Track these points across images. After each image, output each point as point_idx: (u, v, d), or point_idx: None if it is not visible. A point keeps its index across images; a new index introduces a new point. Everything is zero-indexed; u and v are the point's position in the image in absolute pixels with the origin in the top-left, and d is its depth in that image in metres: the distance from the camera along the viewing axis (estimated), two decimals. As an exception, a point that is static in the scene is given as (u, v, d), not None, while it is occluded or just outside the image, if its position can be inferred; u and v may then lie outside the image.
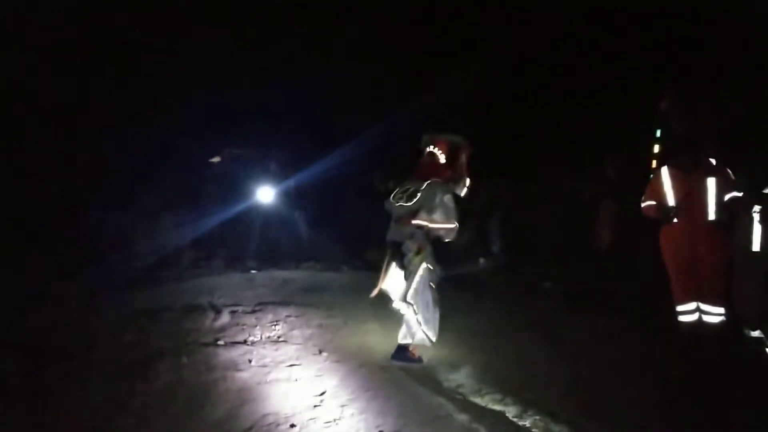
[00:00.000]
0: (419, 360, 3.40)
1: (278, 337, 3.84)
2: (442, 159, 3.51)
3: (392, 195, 3.50)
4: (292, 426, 2.54)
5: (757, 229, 3.55)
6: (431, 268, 3.36)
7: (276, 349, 3.57)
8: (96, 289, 4.85)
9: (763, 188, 3.58)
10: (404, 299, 3.29)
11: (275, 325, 4.10)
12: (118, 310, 4.36)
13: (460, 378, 3.24)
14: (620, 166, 5.72)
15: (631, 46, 7.44)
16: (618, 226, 5.56)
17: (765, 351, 3.62)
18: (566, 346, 3.87)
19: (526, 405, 2.88)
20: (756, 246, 3.54)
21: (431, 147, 3.54)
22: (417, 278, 3.29)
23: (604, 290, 5.47)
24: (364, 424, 2.60)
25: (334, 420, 2.63)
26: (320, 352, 3.57)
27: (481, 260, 7.12)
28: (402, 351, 3.38)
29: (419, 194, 3.34)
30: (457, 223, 3.36)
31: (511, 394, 3.00)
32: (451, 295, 5.37)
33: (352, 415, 2.68)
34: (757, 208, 3.56)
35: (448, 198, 3.35)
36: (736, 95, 5.48)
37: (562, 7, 7.93)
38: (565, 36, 8.00)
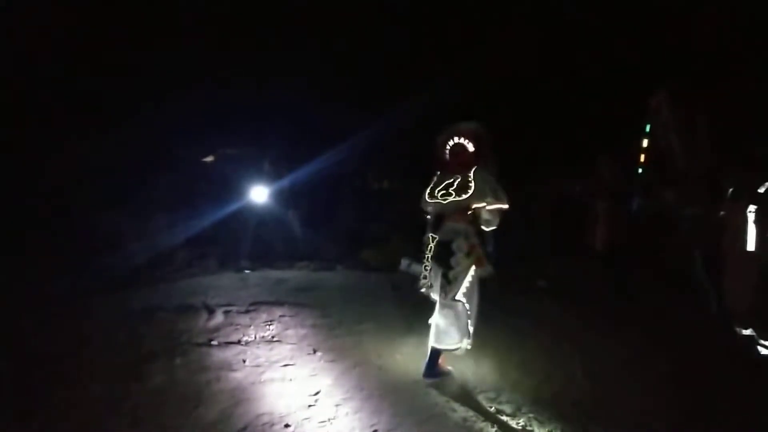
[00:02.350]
0: (449, 372, 3.24)
1: (272, 337, 3.83)
2: (471, 147, 3.38)
3: (431, 193, 3.34)
4: (287, 426, 2.54)
5: (751, 229, 3.58)
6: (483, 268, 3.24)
7: (270, 349, 3.57)
8: (88, 290, 4.81)
9: (758, 188, 3.62)
10: (453, 298, 3.13)
11: (269, 325, 4.09)
12: (111, 310, 4.33)
13: (455, 376, 3.24)
14: (614, 167, 5.75)
15: (625, 47, 7.48)
16: (613, 226, 5.59)
17: (757, 348, 3.67)
18: (560, 345, 3.89)
19: (521, 403, 2.90)
20: (751, 246, 3.58)
21: (457, 138, 3.40)
22: (469, 277, 3.17)
23: (597, 289, 5.51)
24: (359, 423, 2.61)
25: (329, 419, 2.63)
26: (314, 351, 3.57)
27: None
28: (432, 367, 3.17)
29: (471, 184, 3.18)
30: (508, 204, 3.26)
31: (505, 393, 3.02)
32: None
33: (347, 414, 2.68)
34: (752, 208, 3.60)
35: (493, 181, 3.25)
36: (729, 95, 5.53)
37: (556, 8, 7.96)
38: (559, 37, 8.03)
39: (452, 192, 3.23)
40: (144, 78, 7.97)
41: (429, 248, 3.28)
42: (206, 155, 8.41)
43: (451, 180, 3.30)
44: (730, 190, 3.92)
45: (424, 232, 3.42)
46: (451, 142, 3.41)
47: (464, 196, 3.16)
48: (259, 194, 7.14)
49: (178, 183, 7.53)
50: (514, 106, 8.79)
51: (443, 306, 3.17)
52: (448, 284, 3.13)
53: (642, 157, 6.17)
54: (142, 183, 7.25)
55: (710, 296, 4.31)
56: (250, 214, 6.97)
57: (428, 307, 4.43)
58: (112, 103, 7.69)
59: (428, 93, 7.88)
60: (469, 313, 3.17)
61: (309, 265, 6.57)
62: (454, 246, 3.17)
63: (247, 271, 6.08)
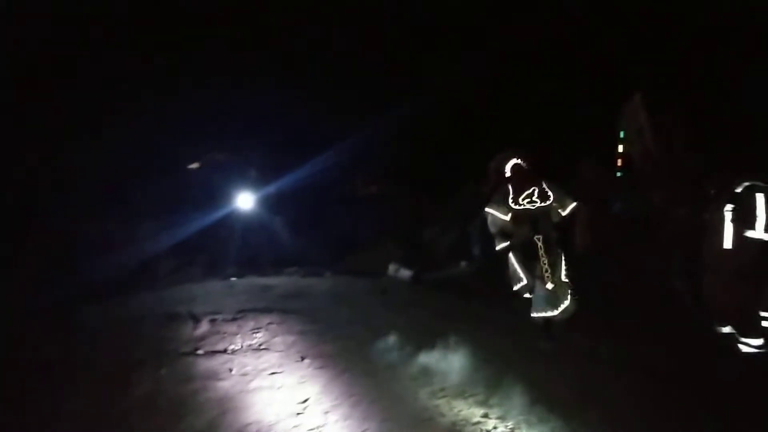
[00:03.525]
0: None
1: (260, 345, 3.79)
2: (527, 165, 4.26)
3: (514, 202, 4.07)
4: (275, 434, 2.52)
5: (728, 228, 3.66)
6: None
7: (257, 357, 3.53)
8: (73, 299, 4.73)
9: (734, 188, 3.70)
10: (562, 279, 3.96)
11: (256, 333, 4.05)
12: (96, 319, 4.26)
13: (443, 381, 3.25)
14: (595, 170, 5.86)
15: (604, 53, 7.61)
16: (595, 228, 5.67)
17: (737, 346, 3.73)
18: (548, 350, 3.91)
19: (510, 406, 2.91)
20: (728, 244, 3.65)
21: (516, 160, 4.28)
22: (563, 260, 4.02)
23: (581, 290, 5.57)
24: (348, 430, 2.59)
25: (318, 427, 2.61)
26: (303, 358, 3.54)
27: (463, 263, 7.17)
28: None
29: (550, 193, 4.03)
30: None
31: (494, 396, 3.03)
32: (433, 298, 5.41)
33: (336, 421, 2.67)
34: (729, 207, 3.68)
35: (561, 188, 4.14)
36: (706, 101, 5.67)
37: (536, 15, 8.07)
38: (540, 43, 8.14)
39: (536, 200, 4.03)
40: (128, 84, 7.88)
41: (539, 247, 3.95)
42: (192, 162, 8.33)
43: (530, 191, 4.07)
44: (712, 191, 4.01)
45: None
46: (511, 163, 4.27)
47: (548, 202, 4.01)
48: (246, 201, 7.10)
49: (163, 190, 7.44)
50: (495, 110, 8.88)
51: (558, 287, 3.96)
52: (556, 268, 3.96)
53: (619, 161, 6.31)
54: (127, 190, 7.15)
55: (688, 296, 4.41)
56: (236, 220, 6.93)
57: (417, 312, 4.45)
58: (96, 109, 7.59)
59: (414, 101, 7.93)
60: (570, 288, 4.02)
61: (296, 272, 6.54)
62: (551, 239, 4.00)
63: (233, 279, 6.03)
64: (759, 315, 3.67)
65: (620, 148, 6.28)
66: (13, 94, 6.63)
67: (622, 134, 6.19)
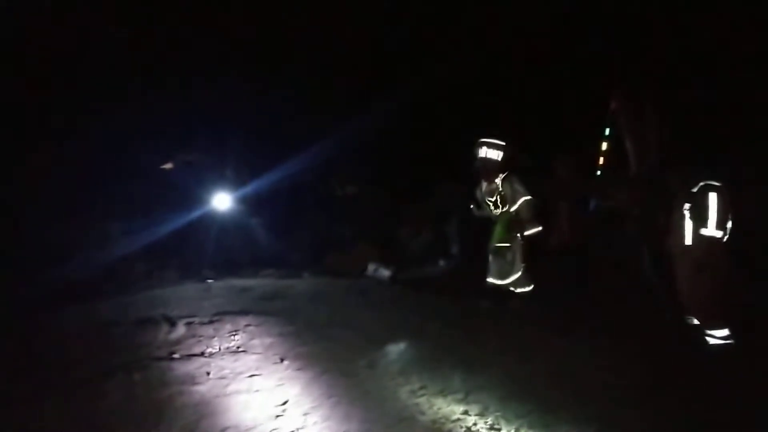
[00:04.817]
0: None
1: (237, 348, 3.74)
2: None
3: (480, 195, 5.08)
4: (254, 438, 2.48)
5: (688, 226, 3.82)
6: None
7: (235, 360, 3.48)
8: (40, 304, 4.56)
9: (691, 187, 3.86)
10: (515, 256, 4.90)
11: (234, 336, 3.99)
12: (63, 325, 4.13)
13: (423, 379, 3.26)
14: (570, 167, 5.95)
15: (584, 48, 7.71)
16: (573, 226, 5.78)
17: (705, 339, 3.86)
18: (525, 345, 3.97)
19: (488, 403, 2.94)
20: (688, 240, 3.82)
21: (485, 149, 4.87)
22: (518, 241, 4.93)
23: (559, 289, 5.67)
24: (328, 431, 2.58)
25: (297, 429, 2.59)
26: (281, 360, 3.51)
27: (441, 262, 7.22)
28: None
29: (507, 195, 4.89)
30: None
31: (472, 394, 3.06)
32: (412, 298, 5.43)
33: (315, 423, 2.65)
34: (687, 206, 3.85)
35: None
36: (684, 97, 5.82)
37: (515, 9, 8.13)
38: (518, 38, 8.21)
39: (494, 203, 5.02)
40: (102, 81, 7.66)
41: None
42: (165, 162, 8.15)
43: (492, 190, 4.97)
44: (672, 190, 4.16)
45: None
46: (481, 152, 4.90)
47: (504, 208, 4.94)
48: (221, 201, 6.99)
49: (136, 191, 7.26)
50: (477, 111, 8.94)
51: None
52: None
53: (601, 160, 6.41)
54: (97, 192, 6.95)
55: (657, 291, 4.56)
56: (212, 221, 6.81)
57: (396, 311, 4.46)
58: (63, 109, 7.35)
59: (391, 100, 7.94)
60: None
61: (274, 273, 6.46)
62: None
63: (209, 281, 5.92)
64: (721, 307, 3.81)
65: (604, 146, 6.35)
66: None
67: (607, 132, 6.26)
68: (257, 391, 3.01)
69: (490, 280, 5.02)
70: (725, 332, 3.79)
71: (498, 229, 4.92)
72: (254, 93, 8.42)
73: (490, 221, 5.08)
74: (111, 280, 5.74)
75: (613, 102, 6.05)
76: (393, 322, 4.35)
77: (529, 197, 4.77)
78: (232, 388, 3.04)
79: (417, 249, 7.60)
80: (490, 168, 4.83)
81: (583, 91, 7.36)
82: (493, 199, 4.94)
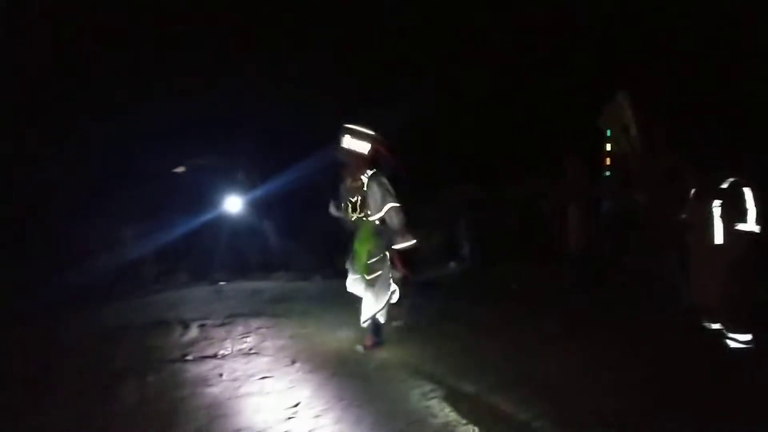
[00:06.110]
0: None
1: (249, 350, 3.76)
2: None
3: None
4: (265, 440, 2.50)
5: (718, 224, 3.73)
6: None
7: (247, 362, 3.51)
8: (56, 307, 4.64)
9: (720, 185, 3.78)
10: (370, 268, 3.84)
11: (246, 338, 4.02)
12: (78, 328, 4.20)
13: (433, 382, 3.25)
14: (580, 169, 5.89)
15: (590, 49, 7.67)
16: (584, 228, 5.72)
17: (725, 343, 3.78)
18: (537, 347, 3.93)
19: (498, 406, 2.92)
20: (719, 239, 3.73)
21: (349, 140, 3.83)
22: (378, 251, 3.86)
23: (570, 291, 5.62)
24: (339, 433, 2.58)
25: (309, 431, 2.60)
26: (293, 363, 3.53)
27: (451, 264, 7.19)
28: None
29: (367, 201, 3.78)
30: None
31: (484, 397, 3.04)
32: (422, 300, 5.41)
33: (327, 425, 2.66)
34: (716, 203, 3.75)
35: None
36: (690, 96, 5.75)
37: (522, 12, 8.11)
38: (525, 42, 8.19)
39: (353, 208, 3.88)
40: (114, 85, 7.77)
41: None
42: (178, 165, 8.23)
43: (354, 193, 3.87)
44: (693, 190, 4.08)
45: None
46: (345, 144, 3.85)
47: (362, 215, 3.84)
48: (233, 204, 7.04)
49: (148, 195, 7.35)
50: (486, 112, 8.92)
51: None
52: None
53: (607, 161, 6.36)
54: (110, 194, 7.04)
55: (682, 293, 4.44)
56: (223, 224, 6.87)
57: (406, 314, 4.43)
58: (76, 112, 7.47)
59: (400, 102, 7.94)
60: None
61: (285, 276, 6.50)
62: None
63: (221, 283, 5.98)
64: (747, 310, 3.72)
65: (607, 147, 6.31)
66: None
67: (608, 133, 6.22)
68: (269, 393, 3.03)
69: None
70: (748, 336, 3.70)
71: (359, 242, 3.86)
72: (265, 96, 8.47)
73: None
74: (123, 282, 5.82)
75: (613, 101, 5.99)
76: (403, 325, 4.35)
77: (397, 204, 3.67)
78: (244, 390, 3.06)
79: (427, 251, 7.59)
80: (354, 161, 3.76)
81: (591, 93, 7.31)
82: (353, 200, 3.81)
